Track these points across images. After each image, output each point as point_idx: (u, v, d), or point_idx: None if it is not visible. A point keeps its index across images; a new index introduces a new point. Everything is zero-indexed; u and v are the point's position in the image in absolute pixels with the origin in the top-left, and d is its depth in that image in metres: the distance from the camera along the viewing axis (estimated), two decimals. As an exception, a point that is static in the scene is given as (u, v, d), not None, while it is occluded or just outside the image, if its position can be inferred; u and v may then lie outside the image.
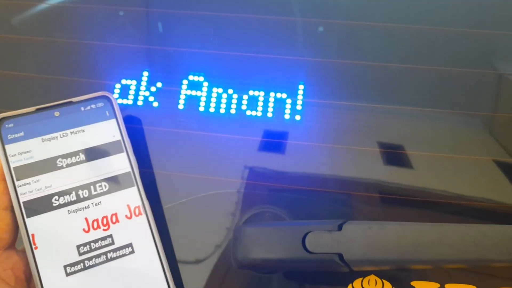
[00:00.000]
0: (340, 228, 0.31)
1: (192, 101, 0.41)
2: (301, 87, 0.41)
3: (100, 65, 0.44)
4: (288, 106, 0.40)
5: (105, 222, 0.33)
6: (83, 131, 0.35)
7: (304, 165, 0.39)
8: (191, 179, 0.39)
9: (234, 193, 0.38)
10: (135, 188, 0.35)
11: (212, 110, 0.41)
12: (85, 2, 0.47)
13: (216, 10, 0.45)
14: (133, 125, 0.40)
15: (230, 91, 0.41)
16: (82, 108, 0.36)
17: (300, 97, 0.40)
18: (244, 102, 0.41)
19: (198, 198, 0.38)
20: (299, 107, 0.40)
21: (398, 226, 0.31)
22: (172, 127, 0.41)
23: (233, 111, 0.40)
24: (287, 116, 0.40)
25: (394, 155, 0.38)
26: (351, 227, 0.31)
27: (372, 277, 0.34)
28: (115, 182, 0.34)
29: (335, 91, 0.41)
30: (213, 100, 0.41)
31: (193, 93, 0.41)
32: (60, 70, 0.44)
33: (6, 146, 0.33)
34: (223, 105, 0.41)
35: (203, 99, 0.41)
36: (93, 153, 0.35)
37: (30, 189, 0.33)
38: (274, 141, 0.40)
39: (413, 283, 0.34)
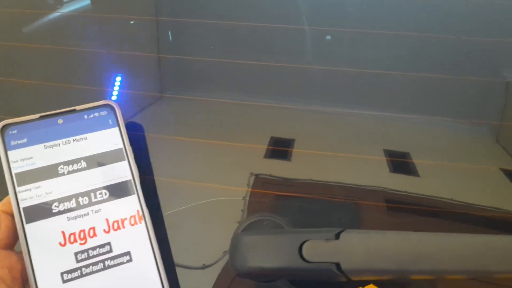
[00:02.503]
0: (337, 236, 0.31)
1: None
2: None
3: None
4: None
5: (103, 230, 0.33)
6: (86, 138, 0.35)
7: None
8: (191, 186, 0.39)
9: (235, 200, 0.38)
10: (135, 196, 0.35)
11: None
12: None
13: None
14: (136, 133, 0.41)
15: None
16: (86, 116, 0.36)
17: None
18: None
19: (198, 205, 0.38)
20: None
21: (397, 235, 0.30)
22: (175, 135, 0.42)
23: None
24: None
25: (400, 163, 0.38)
26: (349, 236, 0.31)
27: (371, 287, 0.33)
28: (116, 190, 0.35)
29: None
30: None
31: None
32: (62, 78, 0.47)
33: (9, 152, 0.34)
34: None
35: None
36: (95, 161, 0.35)
37: (31, 195, 0.33)
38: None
39: (413, 293, 0.33)
